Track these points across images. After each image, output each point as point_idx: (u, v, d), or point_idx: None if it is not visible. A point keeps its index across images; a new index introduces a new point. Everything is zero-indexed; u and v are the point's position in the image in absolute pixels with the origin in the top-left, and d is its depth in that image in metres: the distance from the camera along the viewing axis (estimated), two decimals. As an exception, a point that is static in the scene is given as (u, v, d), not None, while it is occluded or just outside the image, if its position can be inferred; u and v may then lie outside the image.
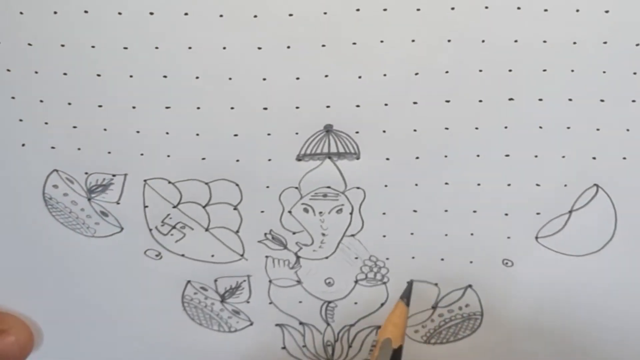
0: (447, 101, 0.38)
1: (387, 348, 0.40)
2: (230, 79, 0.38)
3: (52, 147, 0.40)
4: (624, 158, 0.40)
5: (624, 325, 0.44)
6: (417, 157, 0.40)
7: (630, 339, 0.44)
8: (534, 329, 0.44)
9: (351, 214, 0.42)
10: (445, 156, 0.40)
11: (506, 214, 0.42)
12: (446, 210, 0.42)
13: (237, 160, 0.40)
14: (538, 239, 0.42)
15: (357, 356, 0.47)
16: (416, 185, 0.41)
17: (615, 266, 0.42)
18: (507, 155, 0.40)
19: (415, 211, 0.42)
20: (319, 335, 0.47)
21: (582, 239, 0.41)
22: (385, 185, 0.41)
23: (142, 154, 0.40)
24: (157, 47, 0.37)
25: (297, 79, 0.38)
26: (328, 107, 0.39)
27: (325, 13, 0.36)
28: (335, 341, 0.47)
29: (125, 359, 0.47)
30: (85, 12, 0.36)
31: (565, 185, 0.41)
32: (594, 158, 0.40)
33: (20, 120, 0.39)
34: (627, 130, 0.39)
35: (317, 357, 0.47)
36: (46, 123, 0.39)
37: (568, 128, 0.39)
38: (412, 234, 0.43)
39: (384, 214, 0.42)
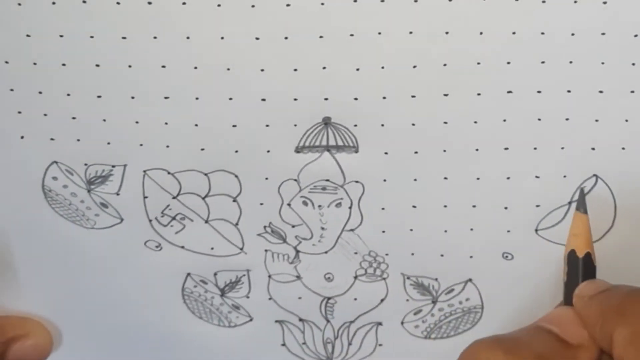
0: (446, 94, 0.38)
1: (574, 259, 0.38)
2: (228, 69, 0.38)
3: (51, 139, 0.40)
4: (623, 148, 0.40)
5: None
6: (416, 152, 0.40)
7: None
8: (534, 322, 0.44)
9: (350, 208, 0.42)
10: (444, 150, 0.40)
11: (506, 208, 0.42)
12: (445, 206, 0.42)
13: (236, 151, 0.40)
14: (538, 232, 0.42)
15: (357, 354, 0.47)
16: (415, 180, 0.41)
17: (615, 255, 0.42)
18: (506, 149, 0.40)
19: (414, 206, 0.42)
20: (319, 332, 0.46)
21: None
22: (384, 180, 0.41)
23: (141, 145, 0.40)
24: (155, 37, 0.37)
25: (295, 70, 0.38)
26: (326, 99, 0.39)
27: (322, 4, 0.36)
28: (335, 338, 0.47)
29: (125, 350, 0.47)
30: (84, 2, 0.36)
31: (565, 177, 0.40)
32: (593, 149, 0.40)
33: (19, 112, 0.39)
34: (626, 120, 0.39)
35: (317, 355, 0.47)
36: (45, 114, 0.39)
37: (567, 119, 0.39)
38: (411, 229, 0.43)
39: (383, 209, 0.42)
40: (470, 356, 0.33)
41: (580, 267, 0.38)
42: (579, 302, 0.36)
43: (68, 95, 0.39)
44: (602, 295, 0.35)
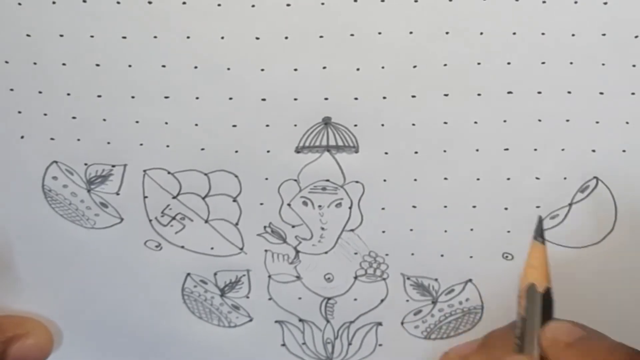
0: (446, 95, 0.38)
1: (533, 293, 0.37)
2: (228, 69, 0.38)
3: (52, 139, 0.40)
4: (624, 151, 0.39)
5: (624, 316, 0.44)
6: (416, 152, 0.40)
7: (630, 330, 0.44)
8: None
9: (350, 208, 0.42)
10: (444, 151, 0.40)
11: (506, 208, 0.42)
12: (445, 206, 0.42)
13: (236, 151, 0.40)
14: (538, 232, 0.42)
15: (357, 354, 0.47)
16: (415, 180, 0.41)
17: (615, 257, 0.42)
18: (507, 149, 0.40)
19: (414, 207, 0.42)
20: (319, 333, 0.46)
21: (582, 231, 0.41)
22: (384, 180, 0.41)
23: (141, 144, 0.40)
24: (155, 37, 0.37)
25: (295, 70, 0.38)
26: (326, 99, 0.39)
27: (322, 4, 0.36)
28: (335, 339, 0.47)
29: (125, 350, 0.47)
30: (84, 1, 0.36)
31: (565, 178, 0.40)
32: (594, 151, 0.40)
33: (19, 112, 0.39)
34: (627, 122, 0.39)
35: (316, 355, 0.47)
36: (45, 114, 0.39)
37: (567, 121, 0.39)
38: (411, 229, 0.43)
39: (383, 209, 0.42)
40: None
41: (540, 304, 0.37)
42: (553, 349, 0.34)
43: (68, 94, 0.39)
44: (582, 345, 0.34)
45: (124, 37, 0.37)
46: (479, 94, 0.38)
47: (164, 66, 0.38)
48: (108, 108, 0.39)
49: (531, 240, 0.38)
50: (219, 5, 0.36)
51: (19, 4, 0.36)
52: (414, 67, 0.38)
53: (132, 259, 0.44)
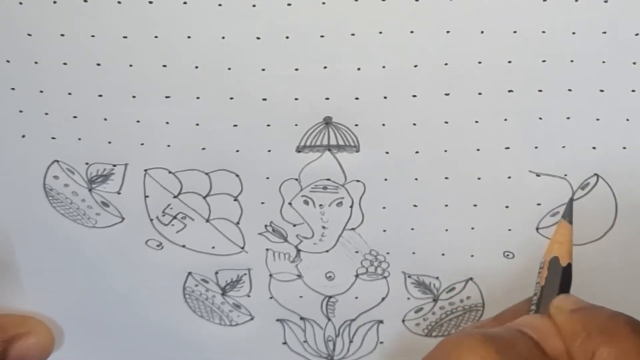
0: (447, 94, 0.38)
1: (556, 266, 0.38)
2: (229, 69, 0.38)
3: (53, 138, 0.40)
4: (624, 148, 0.40)
5: (625, 312, 0.43)
6: (417, 152, 0.40)
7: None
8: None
9: (351, 207, 0.42)
10: (445, 150, 0.40)
11: (507, 207, 0.42)
12: (446, 205, 0.42)
13: (237, 151, 0.40)
14: (539, 230, 0.42)
15: (358, 352, 0.47)
16: (416, 179, 0.41)
17: (615, 254, 0.42)
18: (507, 148, 0.40)
19: (415, 206, 0.42)
20: (320, 331, 0.46)
21: (583, 228, 0.41)
22: (385, 179, 0.41)
23: (142, 144, 0.40)
24: (156, 37, 0.37)
25: (296, 70, 0.38)
26: (327, 99, 0.39)
27: (323, 3, 0.36)
28: (336, 336, 0.47)
29: (126, 349, 0.47)
30: (85, 1, 0.36)
31: (566, 175, 0.40)
32: (594, 148, 0.40)
33: (20, 111, 0.39)
34: (627, 120, 0.39)
35: (318, 353, 0.47)
36: (46, 113, 0.39)
37: (568, 118, 0.39)
38: (412, 229, 0.43)
39: (384, 208, 0.42)
40: (461, 349, 0.33)
41: (560, 276, 0.38)
42: (559, 315, 0.35)
43: (69, 94, 0.39)
44: (585, 311, 0.35)
45: (125, 37, 0.37)
46: (479, 93, 0.38)
47: (164, 66, 0.38)
48: (109, 107, 0.39)
49: (560, 219, 0.39)
50: (220, 5, 0.36)
51: (20, 3, 0.36)
52: (415, 66, 0.38)
53: (133, 258, 0.44)
